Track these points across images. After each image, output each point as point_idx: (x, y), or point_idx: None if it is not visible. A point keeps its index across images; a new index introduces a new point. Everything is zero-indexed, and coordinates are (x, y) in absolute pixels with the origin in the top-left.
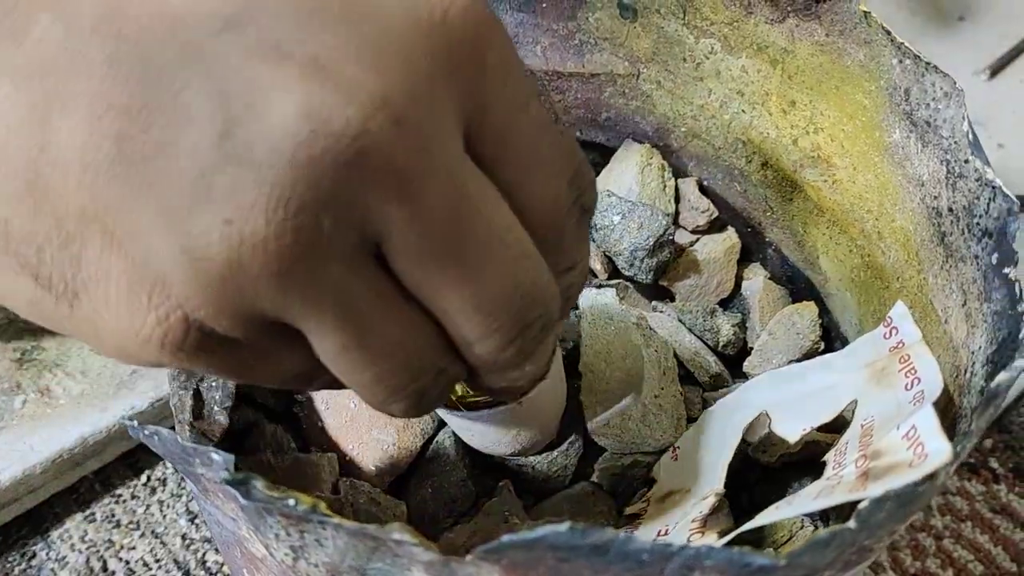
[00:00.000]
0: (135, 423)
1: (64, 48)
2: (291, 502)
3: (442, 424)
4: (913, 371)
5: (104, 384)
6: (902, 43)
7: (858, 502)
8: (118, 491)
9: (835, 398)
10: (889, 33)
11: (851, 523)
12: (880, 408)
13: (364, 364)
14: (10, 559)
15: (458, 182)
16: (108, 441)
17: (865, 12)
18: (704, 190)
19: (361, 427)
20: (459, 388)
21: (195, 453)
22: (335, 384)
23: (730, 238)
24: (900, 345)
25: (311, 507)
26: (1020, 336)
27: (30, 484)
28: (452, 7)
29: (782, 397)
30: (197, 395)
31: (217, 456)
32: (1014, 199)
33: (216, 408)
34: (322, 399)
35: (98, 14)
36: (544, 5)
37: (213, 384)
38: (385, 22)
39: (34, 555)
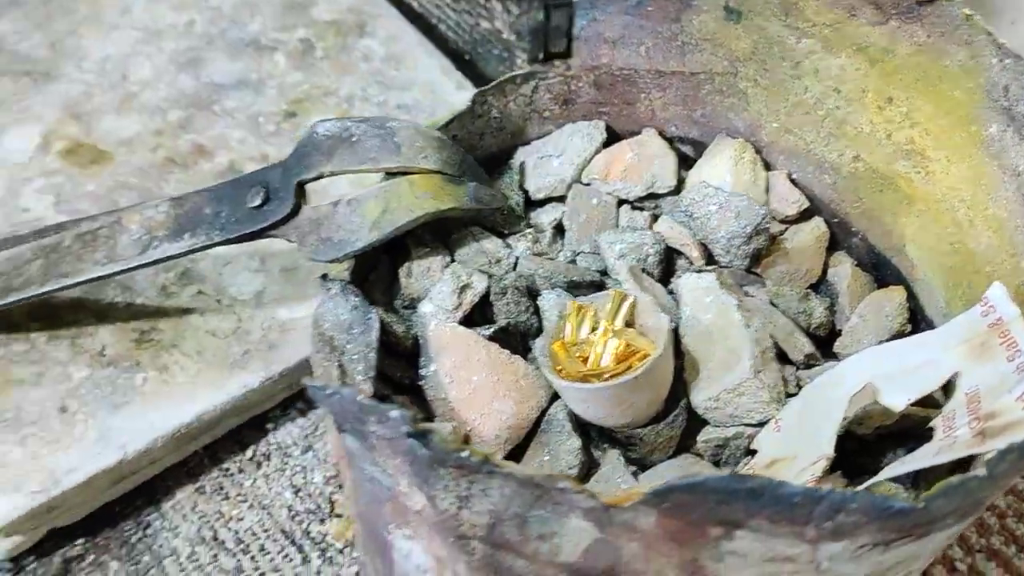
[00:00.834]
0: (318, 383)
1: None
2: (465, 453)
3: (555, 397)
4: (1014, 344)
5: (218, 364)
6: (1003, 43)
7: (965, 461)
8: (226, 465)
9: (937, 371)
10: (991, 34)
11: (980, 471)
12: (983, 379)
13: None
14: (127, 528)
15: None
16: (221, 417)
17: (967, 15)
18: (793, 182)
19: (483, 399)
20: (582, 366)
21: (373, 410)
22: None
23: (819, 227)
24: (999, 322)
25: (483, 458)
26: None
27: (152, 456)
28: None
29: (885, 371)
30: (341, 368)
31: (396, 413)
32: None
33: (360, 378)
34: (446, 373)
35: None
36: (650, 8)
37: (355, 357)
38: None
39: (149, 524)
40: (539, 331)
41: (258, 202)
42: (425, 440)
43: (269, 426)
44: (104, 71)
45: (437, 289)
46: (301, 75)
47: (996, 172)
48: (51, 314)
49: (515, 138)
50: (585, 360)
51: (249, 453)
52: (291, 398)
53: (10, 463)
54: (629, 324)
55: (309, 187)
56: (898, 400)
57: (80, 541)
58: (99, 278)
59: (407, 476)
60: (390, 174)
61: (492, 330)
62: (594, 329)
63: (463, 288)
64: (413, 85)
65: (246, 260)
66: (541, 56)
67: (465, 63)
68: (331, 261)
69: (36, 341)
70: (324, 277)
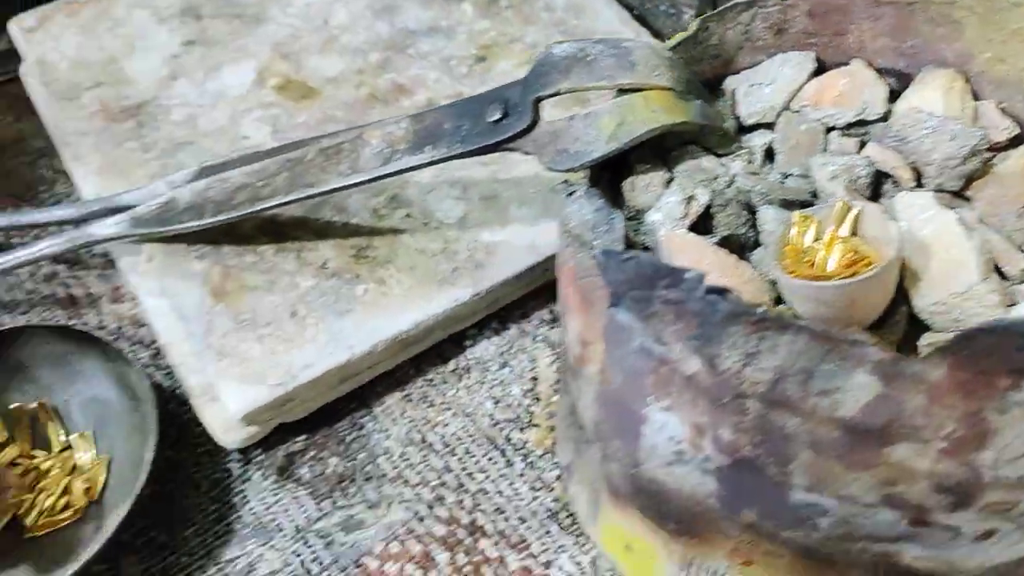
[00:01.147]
0: (614, 247)
1: None
2: (761, 308)
3: (778, 301)
4: None
5: (429, 279)
6: None
7: None
8: (429, 376)
9: None
10: None
11: None
12: None
13: None
14: (342, 429)
15: None
16: (433, 328)
17: None
18: (1003, 111)
19: None
20: (809, 269)
21: (667, 272)
22: None
23: None
24: None
25: (778, 313)
26: None
27: (372, 359)
28: None
29: None
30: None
31: (691, 273)
32: None
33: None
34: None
35: None
36: None
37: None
38: None
39: (363, 426)
40: (756, 244)
41: (497, 116)
42: (724, 295)
43: (467, 343)
44: (307, 16)
45: (664, 199)
46: (488, 23)
47: None
48: (277, 230)
49: (727, 67)
50: (812, 265)
51: (451, 366)
52: (487, 318)
53: (251, 358)
54: (853, 233)
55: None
56: None
57: (301, 438)
58: (342, 188)
59: (685, 341)
60: (622, 91)
61: (717, 238)
62: (818, 238)
63: (689, 199)
64: (594, 34)
65: (447, 188)
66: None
67: (634, 18)
68: (568, 170)
69: (264, 254)
70: (566, 183)
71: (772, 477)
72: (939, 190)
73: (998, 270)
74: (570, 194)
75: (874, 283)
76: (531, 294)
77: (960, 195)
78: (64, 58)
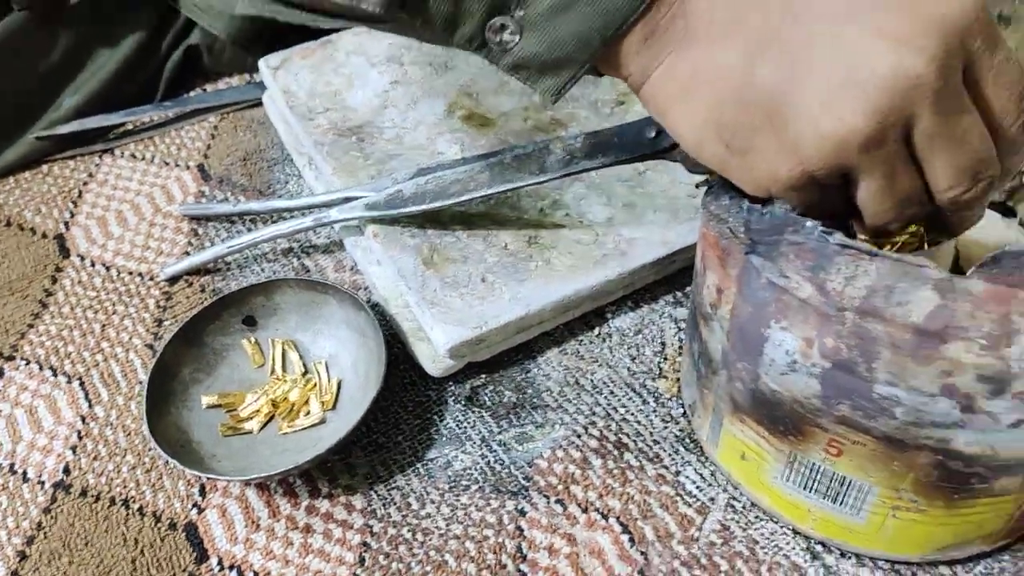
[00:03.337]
0: (756, 204)
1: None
2: (862, 244)
3: None
4: None
5: (585, 261)
6: None
7: None
8: (580, 337)
9: None
10: None
11: None
12: None
13: (887, 198)
14: (514, 372)
15: (957, 101)
16: (586, 298)
17: None
18: None
19: None
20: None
21: (794, 221)
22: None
23: None
24: None
25: (867, 250)
26: None
27: (541, 316)
28: (965, 4)
29: None
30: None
31: (810, 222)
32: None
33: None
34: None
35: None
36: None
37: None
38: (930, 14)
39: (529, 371)
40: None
41: (652, 135)
42: (832, 235)
43: (608, 315)
44: (485, 64)
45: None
46: None
47: None
48: (468, 220)
49: None
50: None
51: (596, 332)
52: (624, 298)
53: (454, 309)
54: None
55: None
56: None
57: (483, 376)
58: (531, 184)
59: (801, 272)
60: None
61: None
62: None
63: None
64: None
65: (596, 196)
66: None
67: None
68: (706, 172)
69: (460, 236)
70: (706, 181)
71: (861, 374)
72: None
73: None
74: (710, 187)
75: (938, 254)
76: (660, 281)
77: (1005, 205)
78: (302, 89)
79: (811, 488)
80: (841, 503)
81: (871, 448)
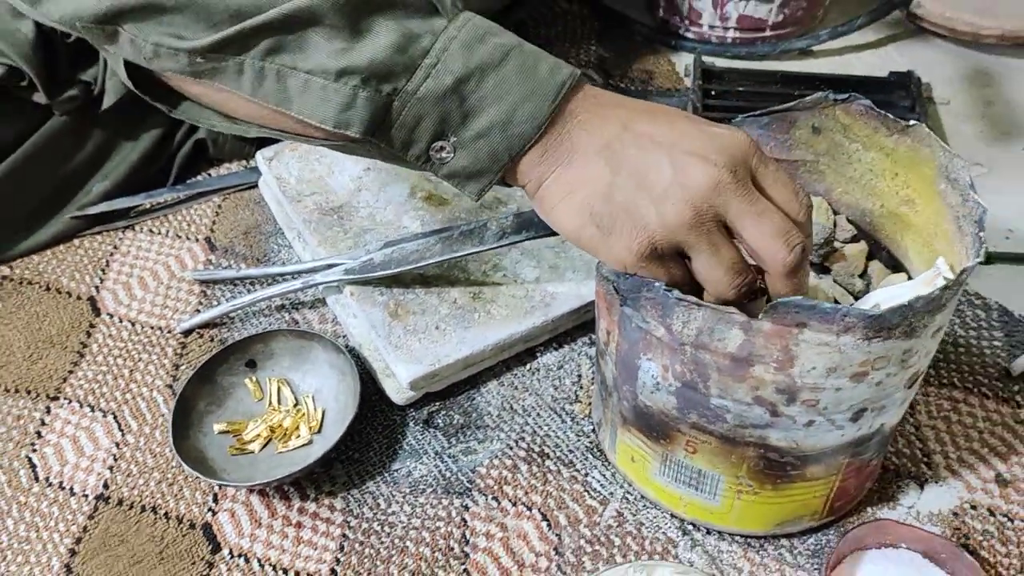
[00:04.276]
0: (629, 277)
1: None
2: (690, 298)
3: None
4: (941, 278)
5: (518, 311)
6: (944, 145)
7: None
8: (514, 371)
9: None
10: (939, 141)
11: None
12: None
13: (716, 266)
14: (461, 399)
15: (752, 193)
16: (518, 341)
17: (928, 131)
18: (848, 221)
19: None
20: None
21: (648, 284)
22: (690, 286)
23: (862, 244)
24: (938, 273)
25: (695, 302)
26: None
27: (483, 356)
28: (742, 136)
29: (885, 297)
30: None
31: (658, 284)
32: (984, 207)
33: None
34: None
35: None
36: (773, 127)
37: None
38: (720, 142)
39: (473, 399)
40: None
41: None
42: (670, 293)
43: (537, 353)
44: None
45: None
46: None
47: (945, 208)
48: (425, 281)
49: None
50: None
51: (527, 367)
52: (550, 339)
53: (414, 350)
54: None
55: None
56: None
57: (437, 403)
58: (473, 253)
59: (655, 318)
60: None
61: None
62: None
63: None
64: None
65: (527, 259)
66: None
67: None
68: None
69: (419, 293)
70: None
71: (701, 391)
72: (812, 263)
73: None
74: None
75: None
76: (578, 326)
77: (822, 265)
78: (291, 175)
79: (679, 480)
80: (701, 490)
81: (714, 445)
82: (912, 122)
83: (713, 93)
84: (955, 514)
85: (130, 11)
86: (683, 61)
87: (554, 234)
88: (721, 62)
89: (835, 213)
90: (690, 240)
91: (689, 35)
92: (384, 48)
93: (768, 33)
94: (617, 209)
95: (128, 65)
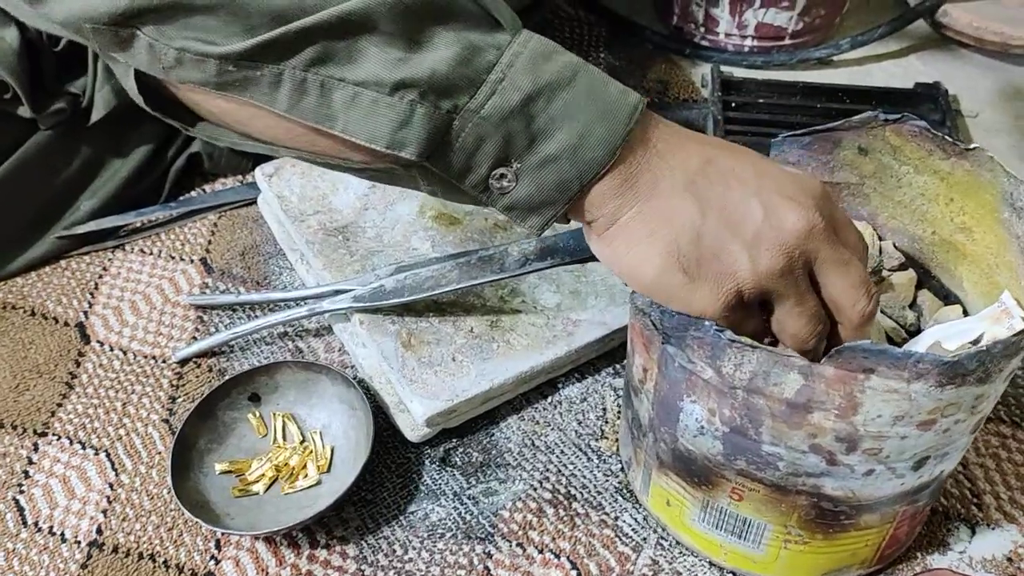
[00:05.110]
0: (671, 311)
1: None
2: (744, 340)
3: None
4: (1011, 316)
5: (539, 341)
6: (1009, 171)
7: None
8: (535, 405)
9: (971, 332)
10: (1002, 166)
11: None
12: (996, 333)
13: (801, 315)
14: (480, 436)
15: (836, 241)
16: (540, 372)
17: (990, 156)
18: (895, 247)
19: None
20: None
21: (697, 323)
22: (764, 336)
23: (911, 273)
24: (1005, 308)
25: (750, 343)
26: None
27: (503, 390)
28: (817, 180)
29: (945, 335)
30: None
31: (708, 323)
32: None
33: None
34: None
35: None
36: (815, 147)
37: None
38: (804, 184)
39: (492, 435)
40: None
41: None
42: (723, 333)
43: (559, 386)
44: None
45: None
46: None
47: (1008, 238)
48: (440, 309)
49: None
50: None
51: (548, 400)
52: (572, 370)
53: (429, 384)
54: None
55: None
56: (952, 346)
57: (454, 440)
58: (493, 280)
59: (704, 359)
60: None
61: None
62: None
63: None
64: None
65: (547, 285)
66: None
67: None
68: None
69: (433, 322)
70: None
71: (751, 437)
72: None
73: (891, 340)
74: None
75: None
76: (602, 356)
77: None
78: (293, 193)
79: (721, 527)
80: (744, 538)
81: (763, 493)
82: (973, 145)
83: (733, 105)
84: (1009, 559)
85: (153, 10)
86: (698, 70)
87: (580, 262)
88: (739, 72)
89: (880, 239)
90: (779, 288)
91: (704, 43)
92: (446, 60)
93: (787, 42)
94: (706, 253)
95: (138, 77)
